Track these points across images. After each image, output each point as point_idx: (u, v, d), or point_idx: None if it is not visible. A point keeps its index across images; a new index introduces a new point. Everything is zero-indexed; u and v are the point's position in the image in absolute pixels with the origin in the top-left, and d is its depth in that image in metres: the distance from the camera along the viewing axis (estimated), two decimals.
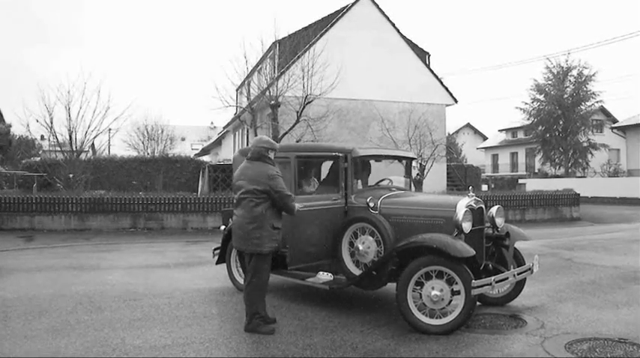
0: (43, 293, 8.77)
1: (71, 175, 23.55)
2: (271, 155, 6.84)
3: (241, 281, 8.98)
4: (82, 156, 26.37)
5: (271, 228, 6.54)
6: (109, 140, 45.98)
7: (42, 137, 39.38)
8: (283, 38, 26.97)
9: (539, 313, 7.59)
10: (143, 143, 48.08)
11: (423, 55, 32.39)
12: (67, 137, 24.04)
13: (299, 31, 28.48)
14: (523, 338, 6.41)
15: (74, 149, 24.16)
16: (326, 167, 8.97)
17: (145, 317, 7.32)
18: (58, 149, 25.57)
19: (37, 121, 24.12)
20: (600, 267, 11.57)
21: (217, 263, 9.48)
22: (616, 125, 49.72)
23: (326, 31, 28.77)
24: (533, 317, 7.32)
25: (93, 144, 30.96)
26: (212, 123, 74.43)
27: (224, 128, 44.30)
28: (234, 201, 6.87)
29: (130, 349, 5.91)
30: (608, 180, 43.69)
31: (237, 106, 29.16)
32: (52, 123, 23.66)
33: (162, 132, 48.73)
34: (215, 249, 9.61)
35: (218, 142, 51.86)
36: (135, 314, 7.47)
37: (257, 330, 6.52)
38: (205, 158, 46.62)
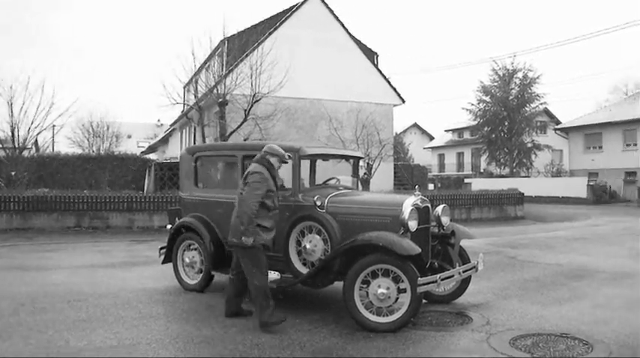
0: None
1: (13, 173, 22.99)
2: (272, 160, 6.99)
3: (187, 280, 8.93)
4: (25, 153, 25.73)
5: (256, 225, 6.70)
6: (53, 137, 44.92)
7: None
8: (232, 36, 26.79)
9: (484, 310, 7.73)
10: (88, 140, 47.36)
11: (371, 55, 32.59)
12: (9, 133, 23.48)
13: (248, 29, 28.34)
14: (469, 334, 6.52)
15: (16, 146, 23.59)
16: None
17: (89, 317, 7.19)
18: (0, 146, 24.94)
19: None
20: (543, 264, 11.85)
21: (163, 262, 9.38)
22: (559, 127, 50.86)
23: (275, 29, 28.70)
24: (479, 314, 7.45)
25: (36, 140, 30.18)
26: (159, 120, 73.49)
27: (171, 126, 43.85)
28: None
29: (75, 351, 5.80)
30: (551, 180, 44.73)
31: (184, 104, 28.84)
32: None
33: (107, 129, 48.08)
34: (161, 248, 9.52)
35: (165, 140, 51.32)
36: (79, 314, 7.34)
37: (269, 322, 6.70)
38: (152, 156, 45.98)
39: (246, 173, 6.88)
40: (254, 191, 6.62)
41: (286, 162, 7.32)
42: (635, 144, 41.65)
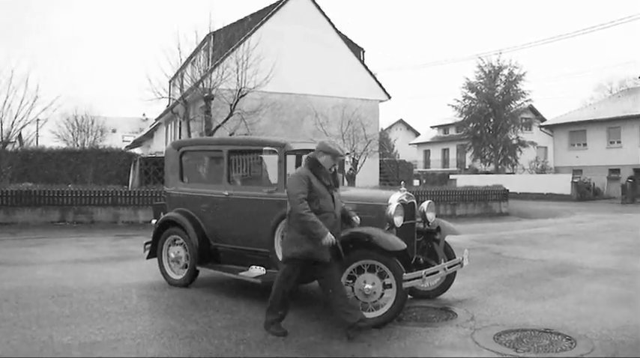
0: None
1: None
2: (322, 159, 6.39)
3: (173, 275, 8.91)
4: (9, 147, 25.53)
5: (298, 232, 6.15)
6: (37, 131, 44.59)
7: None
8: (218, 30, 26.70)
9: (469, 305, 7.77)
10: (73, 134, 46.98)
11: (357, 50, 32.59)
12: None
13: (234, 23, 28.25)
14: (453, 330, 6.55)
15: (0, 140, 23.37)
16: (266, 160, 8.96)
17: (74, 313, 7.16)
18: None
19: None
20: (528, 260, 11.92)
21: (148, 257, 9.36)
22: (544, 124, 51.21)
23: (261, 24, 28.61)
24: (464, 310, 7.49)
25: (20, 134, 29.97)
26: (144, 115, 73.08)
27: (156, 120, 43.65)
28: None
29: (59, 347, 5.77)
30: (535, 177, 44.99)
31: (169, 98, 28.74)
32: None
33: (92, 123, 47.68)
34: (146, 243, 9.49)
35: (150, 134, 51.07)
36: (64, 310, 7.30)
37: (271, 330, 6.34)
38: (137, 150, 45.78)
39: None
40: (295, 197, 6.08)
41: (342, 158, 6.91)
42: (619, 142, 42.01)
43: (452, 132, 62.96)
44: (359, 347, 5.87)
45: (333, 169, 6.50)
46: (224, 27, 27.26)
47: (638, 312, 7.49)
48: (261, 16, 29.56)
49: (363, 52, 33.37)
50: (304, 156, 6.51)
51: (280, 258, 7.62)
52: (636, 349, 5.87)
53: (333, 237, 6.08)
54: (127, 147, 47.67)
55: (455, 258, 7.85)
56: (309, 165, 6.35)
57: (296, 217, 6.08)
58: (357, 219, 6.78)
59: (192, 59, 27.95)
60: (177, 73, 27.07)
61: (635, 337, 6.27)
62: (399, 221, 6.98)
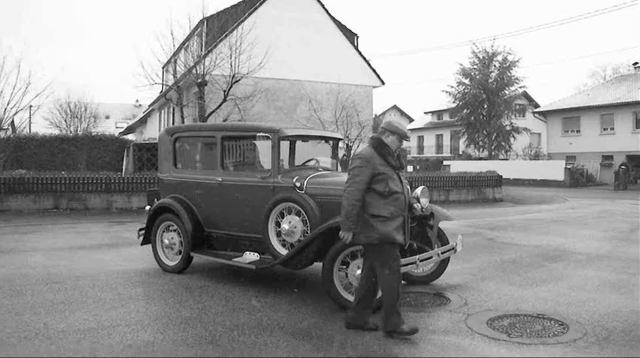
0: None
1: None
2: (389, 139, 6.05)
3: (167, 262, 8.91)
4: (1, 134, 25.44)
5: (370, 216, 5.79)
6: (30, 117, 44.42)
7: None
8: (211, 15, 26.61)
9: (462, 291, 7.80)
10: (66, 121, 46.86)
11: (351, 36, 32.50)
12: None
13: (227, 8, 28.16)
14: (447, 315, 6.59)
15: None
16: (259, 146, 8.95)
17: (68, 300, 7.16)
18: None
19: None
20: (521, 246, 11.97)
21: (142, 244, 9.37)
22: (537, 110, 51.27)
23: (255, 9, 28.49)
24: (457, 295, 7.52)
25: (12, 121, 29.93)
26: (137, 101, 72.74)
27: (149, 106, 43.47)
28: None
29: (54, 333, 5.77)
30: (529, 163, 45.10)
31: (163, 84, 28.66)
32: None
33: (85, 109, 47.57)
34: (140, 230, 9.48)
35: (143, 121, 50.89)
36: (58, 297, 7.30)
37: (397, 330, 5.77)
38: (130, 137, 45.68)
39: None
40: (352, 179, 5.78)
41: (407, 139, 6.64)
42: (612, 129, 42.09)
43: (446, 118, 63.00)
44: (352, 332, 5.89)
45: (398, 151, 6.23)
46: (217, 12, 27.20)
47: (630, 298, 7.53)
48: (254, 2, 29.44)
49: (357, 37, 33.27)
50: (388, 138, 6.03)
51: (274, 244, 7.64)
52: (628, 334, 5.91)
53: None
54: (120, 133, 47.58)
55: (448, 243, 7.87)
56: (374, 146, 5.99)
57: (344, 200, 5.76)
58: (417, 205, 6.83)
59: (186, 45, 27.85)
60: (171, 58, 27.00)
61: (627, 322, 6.32)
62: None
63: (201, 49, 25.74)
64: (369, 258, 5.96)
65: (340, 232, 5.83)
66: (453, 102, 51.28)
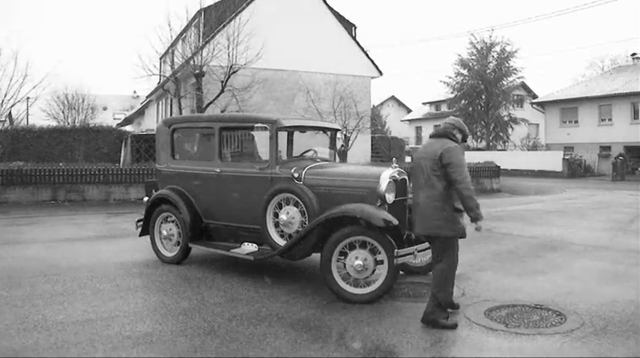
0: None
1: None
2: (458, 135, 6.11)
3: (165, 253, 8.92)
4: None
5: (453, 209, 5.81)
6: (27, 109, 44.37)
7: None
8: (209, 6, 26.51)
9: (460, 281, 7.80)
10: (63, 112, 46.80)
11: (349, 26, 32.41)
12: None
13: None
14: None
15: None
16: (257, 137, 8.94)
17: (66, 291, 7.16)
18: None
19: None
20: (518, 236, 11.99)
21: (141, 235, 9.37)
22: (535, 101, 51.16)
23: (252, 0, 28.40)
24: (455, 286, 7.52)
25: (10, 113, 29.86)
26: (135, 92, 72.62)
27: (147, 97, 43.37)
28: (412, 182, 6.59)
29: (52, 325, 5.77)
30: (527, 154, 45.12)
31: (160, 75, 28.57)
32: None
33: (83, 101, 47.50)
34: (138, 221, 9.49)
35: (141, 112, 50.78)
36: (56, 288, 7.30)
37: (437, 324, 5.80)
38: (128, 128, 45.59)
39: (439, 153, 5.81)
40: (464, 169, 5.75)
41: (465, 141, 6.60)
42: (610, 120, 42.07)
43: (444, 108, 62.82)
44: (351, 323, 5.91)
45: None
46: (215, 3, 27.10)
47: (628, 288, 7.56)
48: None
49: (355, 27, 33.19)
50: (457, 135, 6.11)
51: (273, 235, 7.64)
52: (625, 324, 5.93)
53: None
54: (118, 124, 47.41)
55: None
56: (454, 140, 6.05)
57: (466, 192, 5.67)
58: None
59: (183, 36, 27.77)
60: (168, 49, 26.91)
61: (624, 312, 6.34)
62: (390, 197, 6.99)
63: (199, 40, 25.66)
64: (443, 249, 5.90)
65: (477, 223, 5.75)
66: (451, 92, 51.22)
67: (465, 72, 49.57)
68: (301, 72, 29.50)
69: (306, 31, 29.11)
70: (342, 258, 6.77)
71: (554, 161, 39.21)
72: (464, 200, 5.70)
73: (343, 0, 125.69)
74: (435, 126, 64.44)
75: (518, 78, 50.04)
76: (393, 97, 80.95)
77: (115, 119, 64.76)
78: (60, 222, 14.07)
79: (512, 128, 49.17)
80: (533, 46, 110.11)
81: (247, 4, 27.84)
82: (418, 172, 6.02)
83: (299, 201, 7.38)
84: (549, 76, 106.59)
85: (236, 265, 8.66)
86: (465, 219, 5.81)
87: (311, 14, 29.82)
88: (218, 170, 8.35)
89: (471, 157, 35.28)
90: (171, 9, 39.79)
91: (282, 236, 7.58)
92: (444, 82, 51.22)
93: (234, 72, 23.60)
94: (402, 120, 72.51)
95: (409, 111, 77.82)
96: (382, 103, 76.69)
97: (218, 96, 23.48)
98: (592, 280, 8.02)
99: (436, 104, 66.05)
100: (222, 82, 23.51)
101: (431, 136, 6.32)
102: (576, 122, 44.61)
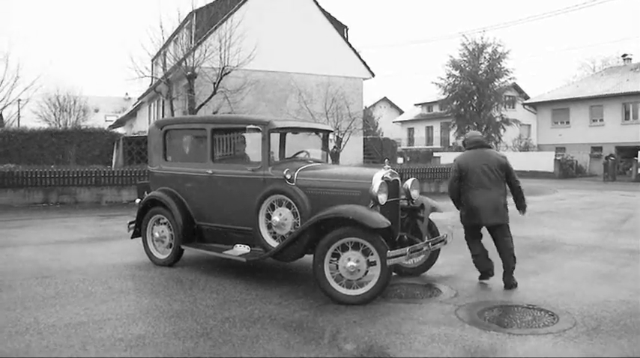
0: None
1: None
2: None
3: (157, 255, 8.90)
4: None
5: (505, 202, 7.87)
6: (19, 111, 44.21)
7: None
8: (201, 8, 26.50)
9: (453, 282, 7.83)
10: (55, 114, 46.73)
11: (341, 28, 32.46)
12: None
13: (217, 1, 28.03)
14: (438, 306, 6.61)
15: None
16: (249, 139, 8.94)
17: (58, 294, 7.14)
18: None
19: None
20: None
21: (133, 237, 9.35)
22: (527, 101, 51.34)
23: (244, 1, 28.40)
24: (448, 286, 7.55)
25: (1, 115, 29.70)
26: (127, 94, 72.48)
27: (139, 99, 43.31)
28: (472, 183, 7.70)
29: (44, 328, 5.75)
30: (519, 155, 45.16)
31: (152, 77, 28.53)
32: None
33: (74, 103, 47.43)
34: (130, 223, 9.46)
35: (133, 114, 50.73)
36: (48, 291, 7.27)
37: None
38: (120, 130, 45.49)
39: (504, 161, 7.95)
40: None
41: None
42: (602, 120, 42.29)
43: (436, 110, 62.91)
44: (344, 324, 5.90)
45: None
46: (207, 5, 27.11)
47: (619, 288, 7.59)
48: None
49: (347, 29, 33.23)
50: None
51: (265, 236, 7.63)
52: (617, 323, 5.95)
53: None
54: (109, 126, 47.40)
55: (439, 235, 7.92)
56: None
57: (521, 190, 8.19)
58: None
59: (175, 37, 27.75)
60: (160, 51, 26.89)
61: (616, 312, 6.36)
62: (383, 198, 6.99)
63: (191, 42, 25.64)
64: (505, 232, 7.89)
65: (525, 212, 8.17)
66: (443, 94, 51.15)
67: (457, 73, 49.55)
68: (293, 73, 29.53)
69: (298, 33, 29.15)
70: (335, 259, 6.76)
71: (546, 162, 39.35)
72: (522, 195, 8.14)
73: (335, 1, 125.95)
74: (428, 127, 64.78)
75: (510, 79, 50.04)
76: (385, 99, 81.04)
77: (106, 121, 64.70)
78: (52, 225, 14.02)
79: (504, 129, 49.19)
80: (524, 48, 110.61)
81: (239, 6, 27.88)
82: (481, 174, 7.65)
83: (291, 202, 7.37)
84: (541, 77, 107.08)
85: (228, 267, 8.65)
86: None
87: (303, 16, 29.86)
88: (210, 171, 8.34)
89: None
90: (162, 10, 39.62)
91: (274, 237, 7.57)
92: (436, 84, 51.14)
93: (226, 73, 23.60)
94: (394, 122, 72.56)
95: (401, 112, 77.93)
96: (374, 105, 76.77)
97: (210, 97, 23.47)
98: (584, 280, 8.05)
99: (428, 105, 66.14)
100: (214, 83, 23.50)
101: (474, 147, 7.88)
102: (568, 123, 44.80)
